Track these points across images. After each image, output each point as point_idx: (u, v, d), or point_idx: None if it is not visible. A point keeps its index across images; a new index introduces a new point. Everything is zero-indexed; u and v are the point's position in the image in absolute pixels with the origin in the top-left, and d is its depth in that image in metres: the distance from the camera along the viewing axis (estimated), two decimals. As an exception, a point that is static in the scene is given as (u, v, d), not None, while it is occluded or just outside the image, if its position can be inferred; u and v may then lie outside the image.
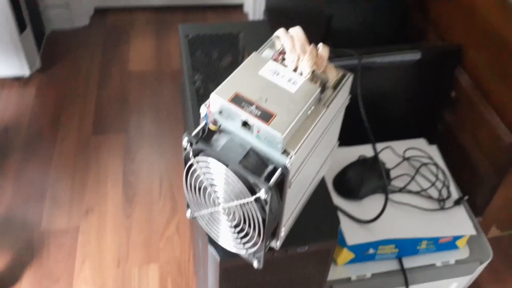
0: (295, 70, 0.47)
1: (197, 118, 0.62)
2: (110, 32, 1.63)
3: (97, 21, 1.67)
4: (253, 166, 0.43)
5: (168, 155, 1.27)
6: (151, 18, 1.70)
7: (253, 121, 0.42)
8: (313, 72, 0.47)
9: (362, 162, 0.85)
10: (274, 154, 0.43)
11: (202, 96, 0.64)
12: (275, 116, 0.42)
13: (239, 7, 1.76)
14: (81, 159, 1.24)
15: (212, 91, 0.43)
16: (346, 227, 0.78)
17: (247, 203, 0.43)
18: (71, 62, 1.51)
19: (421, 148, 0.91)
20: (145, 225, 1.11)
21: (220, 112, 0.44)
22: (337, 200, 0.83)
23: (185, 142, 0.44)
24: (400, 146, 0.91)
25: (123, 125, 1.33)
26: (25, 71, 1.41)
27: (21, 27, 1.34)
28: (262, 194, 0.41)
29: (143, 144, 1.29)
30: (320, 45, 0.47)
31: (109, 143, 1.28)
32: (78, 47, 1.57)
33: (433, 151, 0.92)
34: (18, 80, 1.44)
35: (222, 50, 0.71)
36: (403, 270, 0.81)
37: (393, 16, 1.08)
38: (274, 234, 0.49)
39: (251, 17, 1.70)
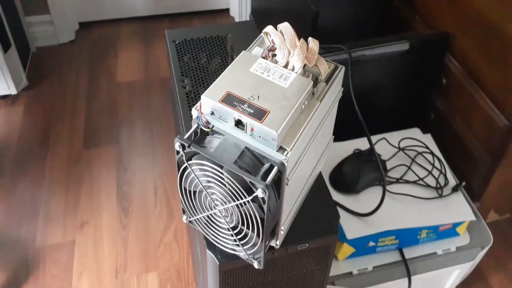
0: (286, 66, 0.46)
1: (188, 122, 0.62)
2: (96, 45, 1.62)
3: (82, 35, 1.65)
4: (248, 166, 0.42)
5: (161, 162, 1.26)
6: (136, 29, 1.69)
7: (246, 119, 0.41)
8: (304, 66, 0.46)
9: (357, 155, 0.85)
10: (270, 151, 0.42)
11: (193, 100, 0.63)
12: (268, 113, 0.41)
13: (225, 11, 1.76)
14: (73, 173, 1.22)
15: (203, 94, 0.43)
16: (345, 221, 0.78)
17: (245, 203, 0.42)
18: (58, 78, 1.50)
19: (416, 138, 0.91)
20: (142, 234, 1.10)
21: (212, 113, 0.43)
22: (335, 195, 0.82)
23: (177, 146, 0.43)
24: (394, 137, 0.91)
25: (114, 137, 1.32)
26: (11, 90, 1.40)
27: (5, 46, 1.32)
28: (259, 193, 0.41)
29: (136, 154, 1.28)
30: (310, 39, 0.46)
31: (101, 155, 1.27)
32: (65, 62, 1.55)
33: (428, 140, 0.92)
34: (5, 99, 1.42)
35: (210, 53, 0.70)
36: (404, 261, 0.81)
37: (378, 8, 1.09)
38: (273, 233, 0.48)
39: (237, 20, 1.69)
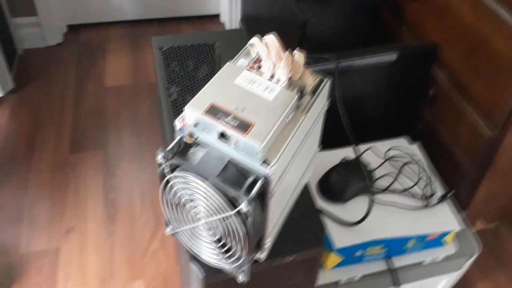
0: (271, 78, 0.46)
1: (173, 131, 0.61)
2: (84, 48, 1.60)
3: (70, 38, 1.64)
4: (232, 179, 0.42)
5: (148, 169, 1.24)
6: (125, 33, 1.68)
7: (230, 132, 0.41)
8: (289, 79, 0.46)
9: (345, 164, 0.85)
10: (254, 165, 0.42)
11: (179, 109, 0.63)
12: (253, 126, 0.41)
13: (215, 17, 1.75)
14: (59, 179, 1.20)
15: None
16: (333, 230, 0.77)
17: (228, 217, 0.42)
18: (45, 81, 1.48)
19: (403, 147, 0.91)
20: (128, 242, 1.08)
21: (196, 125, 0.43)
22: (322, 204, 0.82)
23: (160, 157, 0.42)
24: (382, 146, 0.91)
25: (101, 142, 1.30)
26: (-3, 92, 1.37)
27: (-10, 47, 1.31)
28: (243, 207, 0.40)
29: (123, 160, 1.26)
30: (296, 51, 0.46)
31: (87, 161, 1.25)
32: (52, 65, 1.53)
33: (415, 149, 0.92)
34: (-10, 101, 1.40)
35: (198, 60, 0.70)
36: (391, 270, 0.81)
37: (366, 19, 1.09)
38: (258, 246, 0.48)
39: (228, 27, 1.69)
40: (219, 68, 0.67)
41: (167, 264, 1.05)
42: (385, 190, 0.84)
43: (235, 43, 0.72)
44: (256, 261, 0.50)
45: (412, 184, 0.86)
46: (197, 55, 0.71)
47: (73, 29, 1.66)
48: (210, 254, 0.48)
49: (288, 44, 0.48)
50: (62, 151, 1.27)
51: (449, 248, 0.84)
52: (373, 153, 0.90)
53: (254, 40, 0.46)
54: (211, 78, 0.46)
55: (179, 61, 0.70)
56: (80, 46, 1.61)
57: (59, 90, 1.45)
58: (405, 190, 0.85)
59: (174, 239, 1.07)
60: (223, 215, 0.42)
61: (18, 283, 0.99)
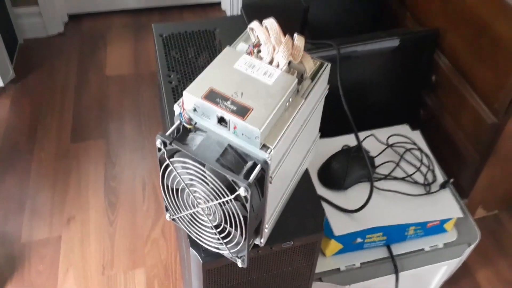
0: (271, 62, 0.45)
1: (173, 118, 0.61)
2: (86, 38, 1.60)
3: (72, 28, 1.63)
4: (231, 164, 0.42)
5: (150, 158, 1.24)
6: (127, 22, 1.67)
7: (229, 117, 0.41)
8: (289, 63, 0.46)
9: (345, 151, 0.85)
10: (253, 149, 0.42)
11: (179, 95, 0.62)
12: (251, 111, 0.41)
13: (217, 5, 1.74)
14: (61, 168, 1.21)
15: (189, 89, 0.42)
16: (333, 218, 0.78)
17: (227, 201, 0.42)
18: (46, 71, 1.47)
19: (404, 134, 0.91)
20: (129, 230, 1.09)
21: (195, 110, 0.43)
22: (323, 191, 0.82)
23: (159, 143, 0.42)
24: (383, 133, 0.91)
25: (102, 131, 1.30)
26: (-2, 82, 1.37)
27: (-9, 37, 1.30)
28: (241, 191, 0.40)
29: (124, 149, 1.26)
30: (296, 35, 0.46)
31: (89, 150, 1.26)
32: (53, 55, 1.53)
33: (417, 136, 0.91)
34: (-9, 91, 1.39)
35: (198, 47, 0.69)
36: (392, 257, 0.81)
37: (369, 4, 1.08)
38: (257, 231, 0.48)
39: (229, 14, 1.68)
40: (219, 54, 0.67)
41: (168, 253, 1.05)
42: (387, 176, 0.84)
43: (235, 29, 0.71)
44: (255, 246, 0.50)
45: (413, 170, 0.86)
46: (198, 42, 0.70)
47: (74, 19, 1.66)
48: (210, 240, 0.48)
49: (289, 30, 0.47)
50: (64, 140, 1.27)
51: (450, 235, 0.84)
52: (374, 140, 0.90)
53: (254, 24, 0.45)
54: (210, 64, 0.45)
55: (180, 48, 0.69)
56: (81, 35, 1.60)
57: (60, 79, 1.45)
58: (407, 176, 0.85)
59: (175, 227, 1.07)
60: (222, 200, 0.42)
61: (20, 272, 1.00)
